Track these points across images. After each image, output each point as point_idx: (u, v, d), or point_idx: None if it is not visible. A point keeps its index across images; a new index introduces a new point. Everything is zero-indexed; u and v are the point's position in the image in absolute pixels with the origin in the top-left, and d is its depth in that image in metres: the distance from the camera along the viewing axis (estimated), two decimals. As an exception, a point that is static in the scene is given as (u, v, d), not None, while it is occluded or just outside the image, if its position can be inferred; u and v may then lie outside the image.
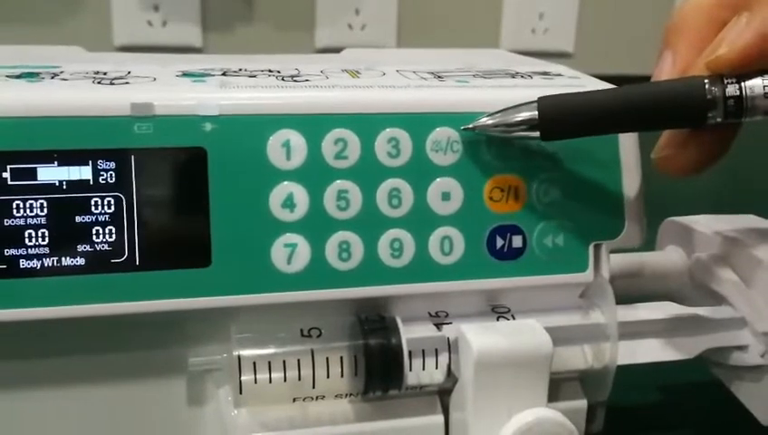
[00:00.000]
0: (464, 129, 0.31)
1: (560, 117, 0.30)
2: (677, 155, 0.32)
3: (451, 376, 0.31)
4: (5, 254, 0.28)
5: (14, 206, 0.28)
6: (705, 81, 0.29)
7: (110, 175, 0.29)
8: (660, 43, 0.33)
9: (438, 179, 0.31)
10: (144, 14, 0.83)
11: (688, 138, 0.31)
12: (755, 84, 0.29)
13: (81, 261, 0.29)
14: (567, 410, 0.31)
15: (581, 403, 0.33)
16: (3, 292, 0.28)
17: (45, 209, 0.28)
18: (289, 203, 0.30)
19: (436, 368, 0.31)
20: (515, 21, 0.85)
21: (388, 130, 0.31)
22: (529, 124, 0.30)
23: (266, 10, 0.82)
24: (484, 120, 0.31)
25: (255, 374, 0.30)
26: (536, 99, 0.30)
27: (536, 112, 0.30)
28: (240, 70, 0.34)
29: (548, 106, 0.30)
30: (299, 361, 0.30)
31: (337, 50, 0.46)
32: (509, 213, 0.32)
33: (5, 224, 0.28)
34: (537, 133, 0.30)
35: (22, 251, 0.28)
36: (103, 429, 0.32)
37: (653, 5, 0.83)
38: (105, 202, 0.29)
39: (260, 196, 0.30)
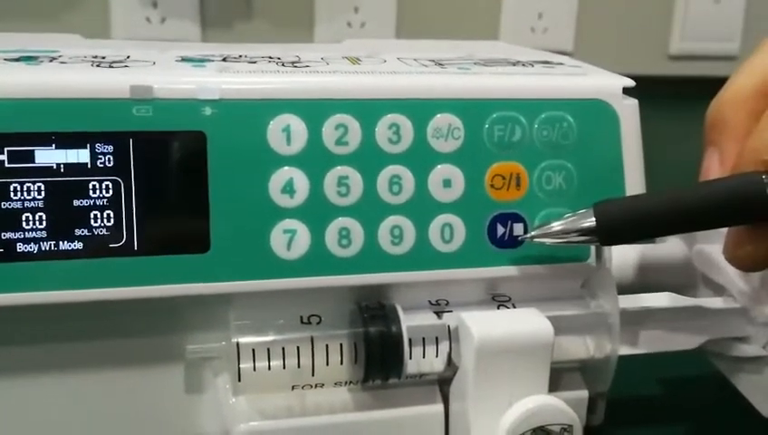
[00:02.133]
0: (521, 239, 0.32)
1: (617, 225, 0.30)
2: (757, 250, 0.30)
3: (451, 365, 0.31)
4: (2, 237, 0.28)
5: (11, 189, 0.28)
6: (763, 176, 0.29)
7: (109, 158, 0.28)
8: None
9: (439, 166, 0.31)
10: (143, 11, 0.82)
11: (759, 232, 0.30)
12: None
13: (78, 245, 0.28)
14: (568, 400, 0.30)
15: (582, 394, 0.33)
16: (-1, 276, 0.28)
17: (43, 193, 0.28)
18: (289, 189, 0.30)
19: (437, 356, 0.31)
20: (514, 20, 0.85)
21: (389, 115, 0.30)
22: (588, 233, 0.30)
23: (265, 7, 0.81)
24: (542, 231, 0.31)
25: (254, 362, 0.29)
26: (591, 207, 0.30)
27: (594, 221, 0.30)
28: (240, 56, 0.34)
29: (605, 215, 0.30)
30: (298, 348, 0.30)
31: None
32: (510, 201, 0.32)
33: (2, 207, 0.28)
34: (596, 239, 0.30)
35: (19, 235, 0.28)
36: (100, 415, 0.31)
37: (652, 5, 0.83)
38: (103, 186, 0.28)
39: (260, 181, 0.30)
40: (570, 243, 0.31)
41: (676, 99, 0.80)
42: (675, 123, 0.80)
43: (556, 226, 0.31)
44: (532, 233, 0.31)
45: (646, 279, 0.37)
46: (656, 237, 0.31)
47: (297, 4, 0.80)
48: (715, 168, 0.32)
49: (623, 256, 0.37)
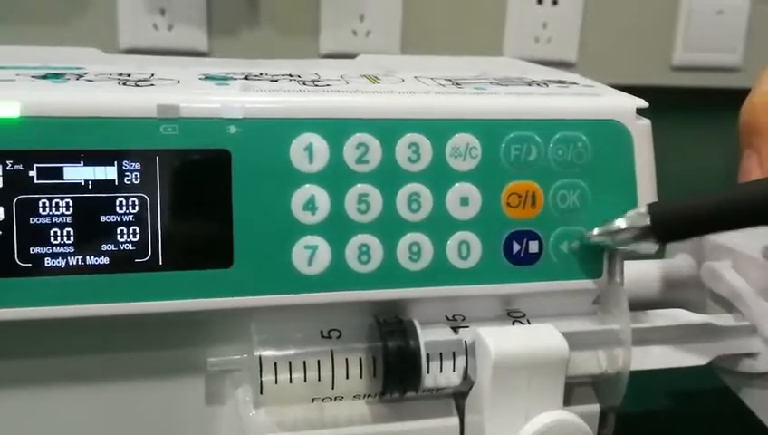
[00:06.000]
0: (582, 237, 0.33)
1: (672, 224, 0.31)
2: None
3: (467, 379, 0.32)
4: (31, 252, 0.28)
5: (40, 204, 0.28)
6: None
7: (135, 175, 0.29)
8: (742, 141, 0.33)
9: (457, 185, 0.32)
10: (150, 18, 0.83)
11: None
12: None
13: (105, 260, 0.29)
14: (580, 414, 0.31)
15: (594, 408, 0.34)
16: (28, 290, 0.28)
17: (71, 209, 0.29)
18: (310, 206, 0.30)
19: (453, 371, 0.31)
20: (519, 30, 0.86)
21: (408, 135, 0.31)
22: (643, 232, 0.31)
23: (271, 15, 0.82)
24: (600, 231, 0.32)
25: (276, 375, 0.30)
26: (646, 207, 0.32)
27: (648, 221, 0.31)
28: (261, 74, 0.35)
29: (659, 214, 0.31)
30: (319, 362, 0.30)
31: (341, 56, 0.46)
32: (526, 219, 0.32)
33: (31, 222, 0.28)
34: (652, 239, 0.31)
35: (47, 250, 0.29)
36: (122, 426, 0.32)
37: (655, 16, 0.84)
38: (130, 202, 0.29)
39: (282, 198, 0.30)
40: (628, 241, 0.32)
41: (679, 109, 0.81)
42: (678, 133, 0.81)
43: (618, 224, 0.32)
44: (594, 232, 0.32)
45: (657, 296, 0.38)
46: (710, 233, 0.32)
47: (303, 12, 0.81)
48: (754, 169, 0.33)
49: (635, 274, 0.37)
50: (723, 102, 0.79)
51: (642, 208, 0.32)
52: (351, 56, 0.45)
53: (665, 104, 0.79)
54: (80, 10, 0.76)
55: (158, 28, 0.80)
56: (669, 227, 0.31)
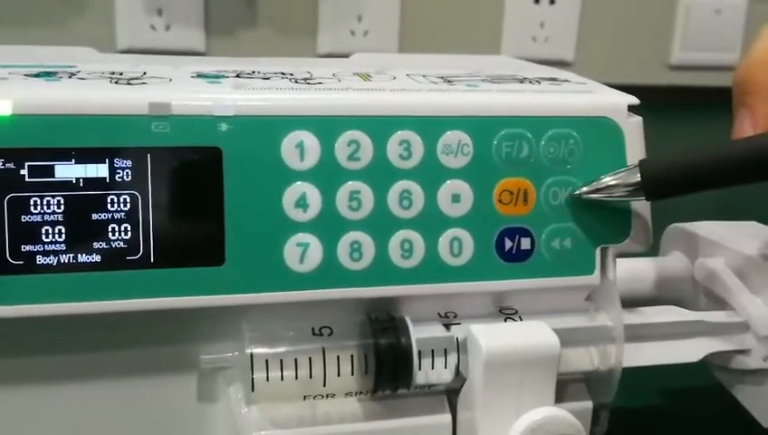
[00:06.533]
0: (569, 196, 0.33)
1: (663, 180, 0.31)
2: None
3: (459, 376, 0.32)
4: (23, 250, 0.28)
5: (32, 202, 0.28)
6: None
7: (127, 173, 0.29)
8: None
9: (449, 182, 0.32)
10: (148, 18, 0.83)
11: None
12: None
13: (96, 258, 0.29)
14: (572, 410, 0.31)
15: (587, 404, 0.34)
16: (19, 287, 0.28)
17: (62, 206, 0.29)
18: (302, 203, 0.30)
19: (445, 368, 0.32)
20: (516, 29, 0.86)
21: (399, 132, 0.31)
22: (634, 189, 0.31)
23: (269, 16, 0.82)
24: (592, 187, 0.32)
25: (268, 372, 0.30)
26: (637, 163, 0.32)
27: (639, 177, 0.31)
28: (253, 72, 0.35)
29: (650, 170, 0.31)
30: (310, 359, 0.31)
31: (339, 56, 0.46)
32: (518, 215, 0.32)
33: (23, 220, 0.28)
34: (642, 195, 0.31)
35: (39, 247, 0.29)
36: (114, 425, 0.32)
37: (652, 16, 0.83)
38: (121, 200, 0.29)
39: (273, 195, 0.30)
40: (618, 198, 0.32)
41: (676, 108, 0.81)
42: (675, 132, 0.81)
43: (605, 181, 0.32)
44: (583, 189, 0.32)
45: (650, 293, 0.38)
46: (700, 191, 0.31)
47: (301, 12, 0.81)
48: (747, 128, 0.33)
49: (627, 271, 0.37)
50: (721, 102, 0.79)
51: (633, 164, 0.32)
52: (349, 56, 0.45)
53: (662, 103, 0.79)
54: (77, 11, 0.76)
55: (155, 29, 0.80)
56: (660, 182, 0.31)
